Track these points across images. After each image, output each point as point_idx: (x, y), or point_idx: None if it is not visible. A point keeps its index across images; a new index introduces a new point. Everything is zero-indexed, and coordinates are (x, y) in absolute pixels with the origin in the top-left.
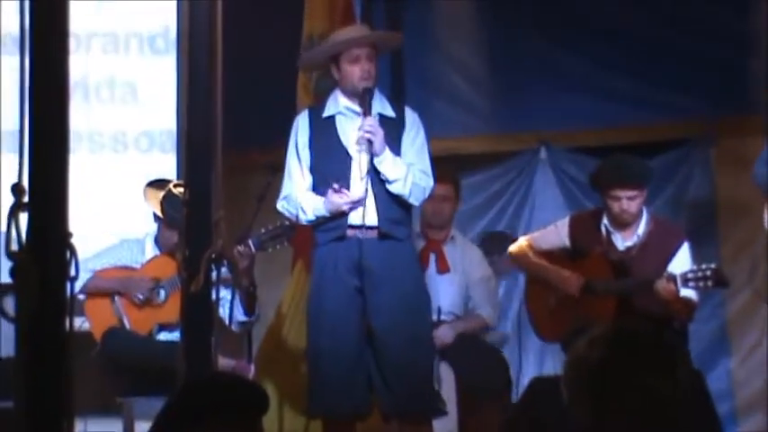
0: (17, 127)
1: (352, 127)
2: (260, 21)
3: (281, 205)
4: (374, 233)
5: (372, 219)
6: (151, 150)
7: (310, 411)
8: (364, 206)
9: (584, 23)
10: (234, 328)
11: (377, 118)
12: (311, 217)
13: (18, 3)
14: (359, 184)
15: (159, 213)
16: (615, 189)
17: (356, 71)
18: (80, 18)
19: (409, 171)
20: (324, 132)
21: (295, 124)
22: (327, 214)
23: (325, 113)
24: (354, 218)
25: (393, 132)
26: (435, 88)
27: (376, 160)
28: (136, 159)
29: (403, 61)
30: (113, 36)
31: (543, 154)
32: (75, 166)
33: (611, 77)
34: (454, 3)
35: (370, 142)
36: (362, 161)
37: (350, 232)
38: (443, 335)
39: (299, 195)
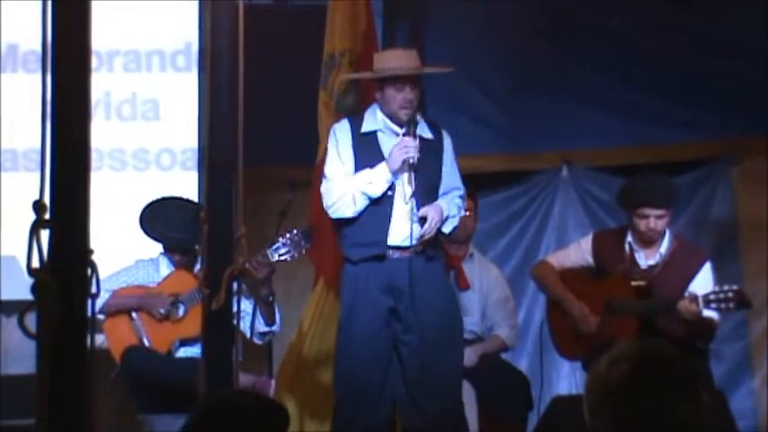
0: (39, 144)
1: (392, 144)
2: (281, 38)
3: (332, 211)
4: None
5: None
6: (173, 168)
7: (336, 427)
8: (411, 226)
9: (608, 43)
10: (255, 339)
11: (418, 140)
12: (362, 201)
13: (40, 21)
14: (401, 203)
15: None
16: (644, 207)
17: (399, 98)
18: (102, 36)
19: (451, 204)
20: (366, 146)
21: (333, 133)
22: (390, 174)
23: (365, 128)
24: (396, 239)
25: (433, 154)
26: (457, 105)
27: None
28: (157, 177)
29: (424, 78)
30: (135, 54)
31: (565, 173)
32: (96, 183)
33: (633, 97)
34: (476, 21)
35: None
36: (406, 182)
37: (395, 253)
38: (466, 358)
39: (346, 187)
